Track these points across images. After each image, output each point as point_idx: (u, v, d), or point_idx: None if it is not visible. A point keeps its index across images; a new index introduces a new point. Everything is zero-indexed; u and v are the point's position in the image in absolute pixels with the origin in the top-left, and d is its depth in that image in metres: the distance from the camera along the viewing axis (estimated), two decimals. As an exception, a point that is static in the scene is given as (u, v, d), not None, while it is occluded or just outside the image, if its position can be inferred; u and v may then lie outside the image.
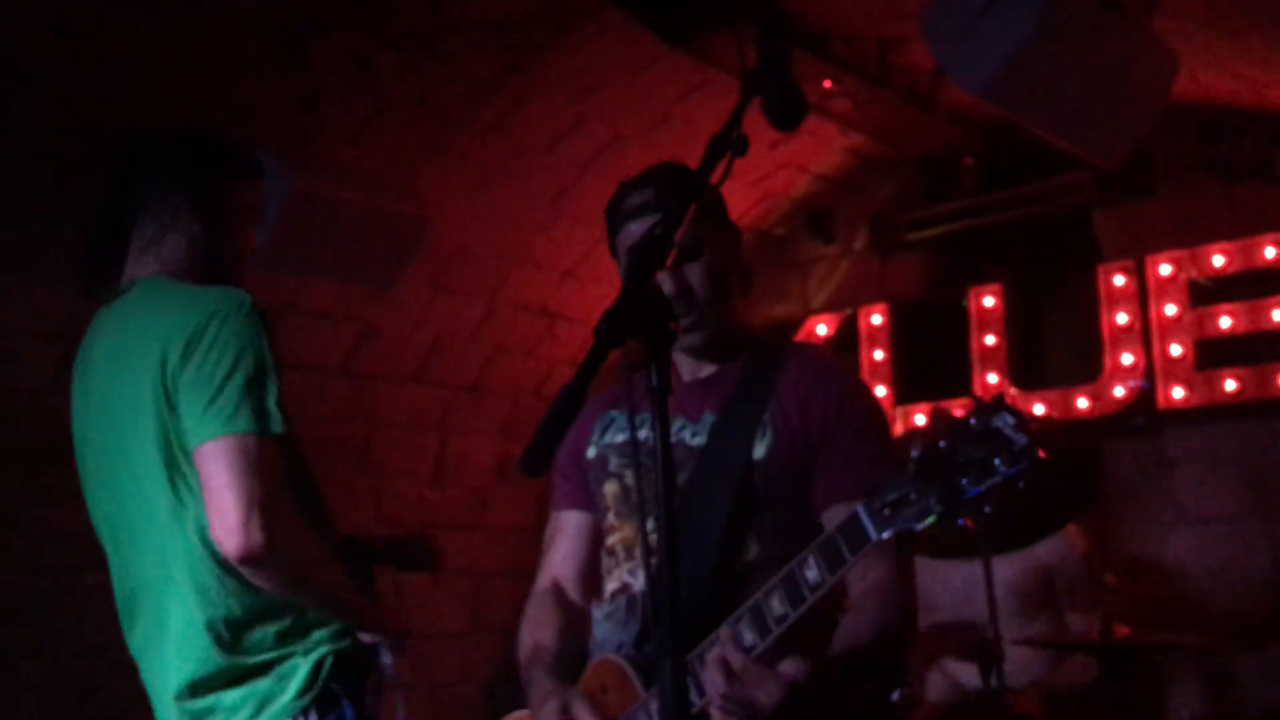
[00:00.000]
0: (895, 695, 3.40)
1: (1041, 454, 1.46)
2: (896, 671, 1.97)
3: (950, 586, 3.64)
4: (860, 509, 1.59)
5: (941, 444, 1.51)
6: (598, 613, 2.06)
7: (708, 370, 2.07)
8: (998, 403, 1.51)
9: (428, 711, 5.14)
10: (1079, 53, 3.10)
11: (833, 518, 1.88)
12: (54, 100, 3.41)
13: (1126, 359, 4.73)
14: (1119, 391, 4.70)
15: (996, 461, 1.46)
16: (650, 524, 1.88)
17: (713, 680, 1.67)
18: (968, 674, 3.46)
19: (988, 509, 1.48)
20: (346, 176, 4.04)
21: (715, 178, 1.55)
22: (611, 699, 1.89)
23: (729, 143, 1.53)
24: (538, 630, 2.10)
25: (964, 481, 1.48)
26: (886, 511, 1.56)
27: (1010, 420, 1.47)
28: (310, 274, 4.20)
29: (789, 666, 1.70)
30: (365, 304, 4.59)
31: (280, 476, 2.00)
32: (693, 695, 1.75)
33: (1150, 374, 4.67)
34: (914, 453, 1.53)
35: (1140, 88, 3.28)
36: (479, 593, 5.37)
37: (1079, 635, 3.53)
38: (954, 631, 3.55)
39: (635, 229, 2.01)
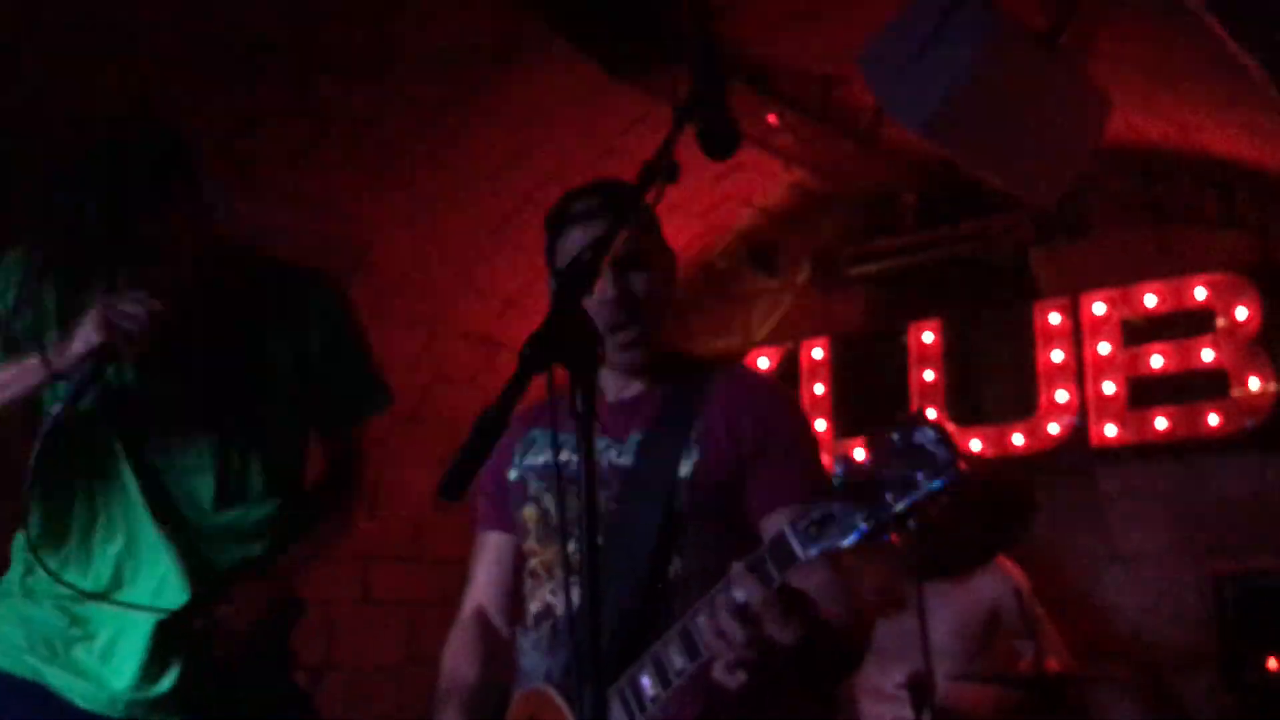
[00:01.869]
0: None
1: (962, 465, 1.45)
2: (849, 668, 1.93)
3: (893, 631, 3.65)
4: (786, 528, 1.58)
5: (865, 461, 1.51)
6: (524, 641, 2.03)
7: (633, 390, 2.06)
8: (918, 418, 1.50)
9: (360, 745, 5.05)
10: (1015, 93, 3.17)
11: (771, 525, 1.88)
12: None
13: (1061, 396, 4.79)
14: (1054, 428, 4.76)
15: (919, 476, 1.46)
16: (571, 545, 1.87)
17: (729, 630, 1.57)
18: (902, 710, 3.46)
19: (912, 524, 1.47)
20: (286, 200, 4.01)
21: (647, 202, 1.56)
22: None
23: (660, 170, 1.54)
24: (458, 660, 2.07)
25: (888, 497, 1.48)
26: (812, 530, 1.55)
27: (932, 435, 1.46)
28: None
29: (809, 609, 1.64)
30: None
31: None
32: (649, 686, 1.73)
33: (1084, 411, 4.73)
34: (838, 470, 1.53)
35: (1074, 129, 3.35)
36: (415, 624, 5.30)
37: (1012, 669, 3.55)
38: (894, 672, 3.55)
39: (579, 236, 1.99)
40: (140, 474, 2.07)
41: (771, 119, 4.53)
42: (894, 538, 1.51)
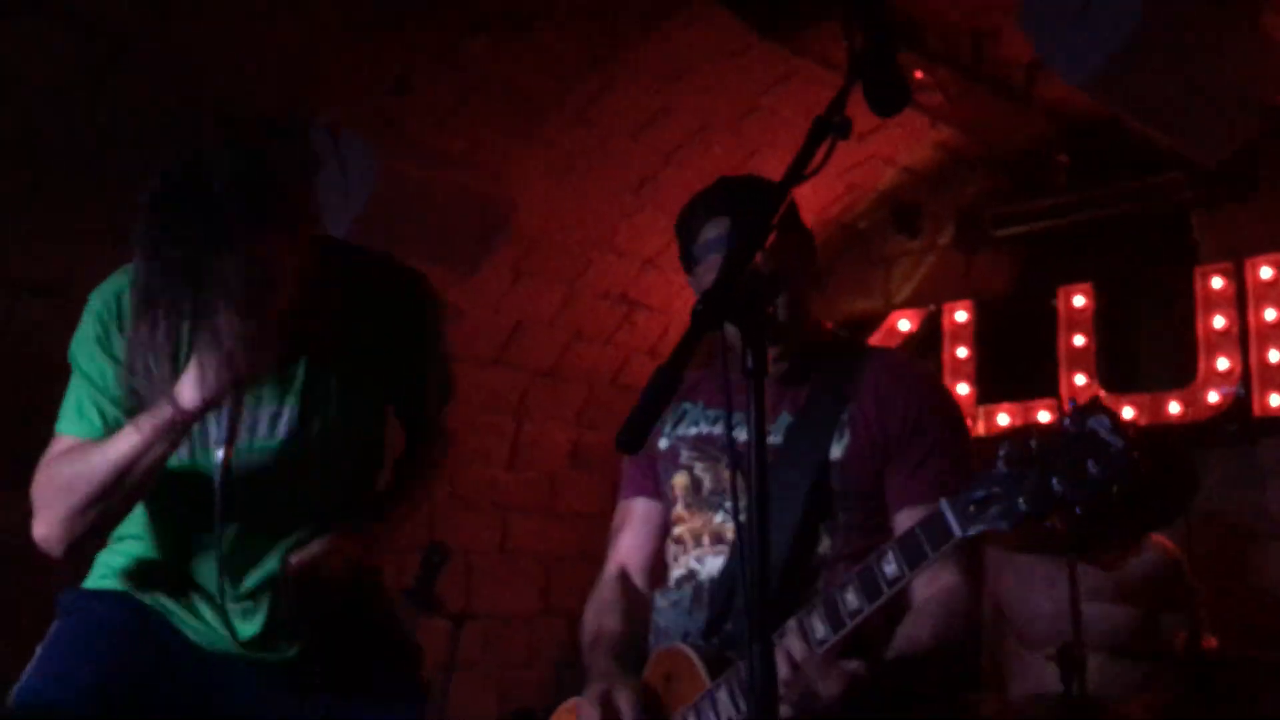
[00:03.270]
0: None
1: (1140, 459, 1.40)
2: (955, 682, 1.92)
3: (1042, 612, 3.56)
4: (945, 505, 1.56)
5: (1032, 443, 1.47)
6: (662, 600, 2.06)
7: (782, 369, 2.04)
8: (1094, 405, 1.46)
9: (495, 692, 5.18)
10: (1186, 46, 3.02)
11: (904, 520, 1.87)
12: (150, 74, 3.47)
13: (1222, 364, 4.59)
14: (1213, 397, 4.57)
15: (1090, 464, 1.42)
16: (720, 516, 1.90)
17: (780, 664, 1.65)
18: (1051, 680, 3.39)
19: (1078, 510, 1.43)
20: (434, 158, 4.07)
21: (816, 161, 1.53)
22: (676, 688, 1.89)
23: (832, 126, 1.50)
24: (603, 616, 2.11)
25: (1054, 482, 1.44)
26: (972, 509, 1.53)
27: (1107, 423, 1.42)
28: (396, 254, 4.24)
29: (851, 663, 1.69)
30: (447, 285, 4.60)
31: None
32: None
33: (1246, 380, 4.53)
34: (1002, 451, 1.49)
35: (1247, 84, 3.19)
36: (549, 577, 5.40)
37: (1165, 646, 3.44)
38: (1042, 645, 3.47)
39: (715, 261, 1.97)
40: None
41: (918, 74, 4.42)
42: (1059, 524, 1.47)
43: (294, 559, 2.02)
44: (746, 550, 1.34)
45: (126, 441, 1.88)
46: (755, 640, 1.29)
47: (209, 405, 1.86)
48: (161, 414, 1.85)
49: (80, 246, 3.52)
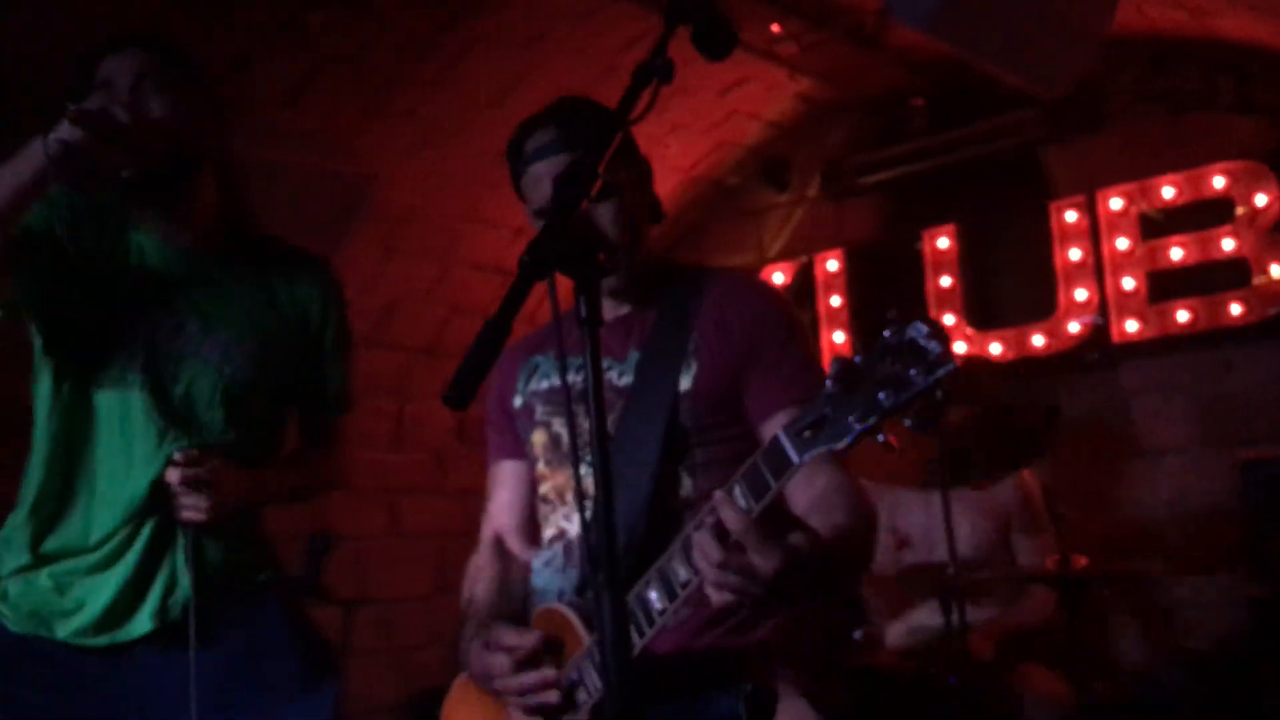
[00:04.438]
0: (857, 634, 3.42)
1: (957, 360, 1.42)
2: (857, 574, 1.92)
3: (914, 534, 3.64)
4: (780, 433, 1.56)
5: (857, 359, 1.48)
6: (536, 562, 2.05)
7: (627, 308, 2.04)
8: (912, 315, 1.48)
9: (396, 674, 5.13)
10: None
11: (769, 431, 1.86)
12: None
13: (1080, 294, 4.74)
14: (1074, 327, 4.72)
15: (912, 372, 1.43)
16: (583, 468, 1.84)
17: (706, 548, 1.55)
18: (930, 615, 3.48)
19: (907, 422, 1.45)
20: (285, 138, 3.97)
21: (642, 106, 1.52)
22: (557, 647, 1.87)
23: (655, 70, 1.49)
24: (474, 584, 2.10)
25: (880, 396, 1.45)
26: (807, 434, 1.53)
27: (924, 329, 1.43)
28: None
29: (795, 535, 1.59)
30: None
31: None
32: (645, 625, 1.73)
33: (1104, 308, 4.69)
34: (830, 372, 1.50)
35: (1082, 16, 3.26)
36: (443, 555, 5.36)
37: (1035, 568, 3.55)
38: (917, 574, 3.55)
39: (541, 169, 1.95)
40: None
41: (775, 28, 4.44)
42: (892, 439, 1.48)
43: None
44: (593, 504, 1.33)
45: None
46: (604, 590, 1.29)
47: (75, 141, 1.90)
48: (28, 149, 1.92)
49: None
